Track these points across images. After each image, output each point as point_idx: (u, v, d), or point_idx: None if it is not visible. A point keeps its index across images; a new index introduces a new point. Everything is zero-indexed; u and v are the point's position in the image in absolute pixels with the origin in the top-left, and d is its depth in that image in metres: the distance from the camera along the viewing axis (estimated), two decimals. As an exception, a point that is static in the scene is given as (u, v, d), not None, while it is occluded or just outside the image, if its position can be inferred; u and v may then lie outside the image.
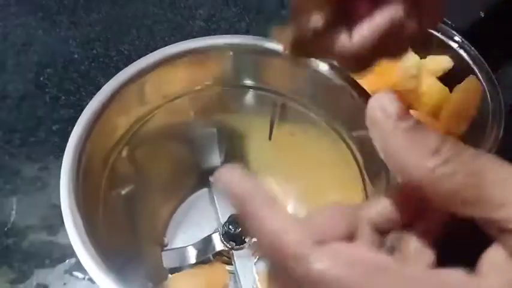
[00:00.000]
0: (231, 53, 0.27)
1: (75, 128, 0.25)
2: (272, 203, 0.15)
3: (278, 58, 0.27)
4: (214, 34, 0.51)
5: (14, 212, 0.39)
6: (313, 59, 0.26)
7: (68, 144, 0.24)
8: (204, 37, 0.28)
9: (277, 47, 0.27)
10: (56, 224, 0.39)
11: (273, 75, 0.28)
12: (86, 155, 0.24)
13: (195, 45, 0.27)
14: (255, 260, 0.34)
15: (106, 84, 0.26)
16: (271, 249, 0.14)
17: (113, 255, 0.26)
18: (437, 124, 0.38)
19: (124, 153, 0.28)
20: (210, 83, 0.29)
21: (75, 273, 0.37)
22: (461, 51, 0.40)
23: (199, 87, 0.29)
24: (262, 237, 0.15)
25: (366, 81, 0.37)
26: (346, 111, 0.27)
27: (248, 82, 0.29)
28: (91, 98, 0.45)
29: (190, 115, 0.31)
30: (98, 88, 0.46)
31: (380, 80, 0.37)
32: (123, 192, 0.29)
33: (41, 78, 0.47)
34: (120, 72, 0.26)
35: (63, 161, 0.24)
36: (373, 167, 0.26)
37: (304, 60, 0.25)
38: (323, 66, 0.26)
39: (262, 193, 0.15)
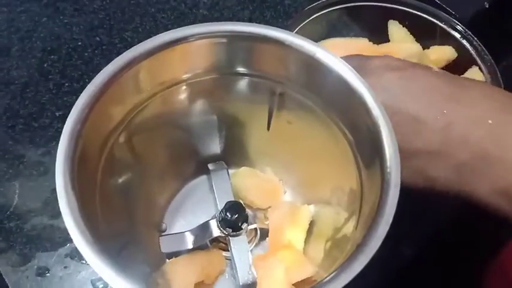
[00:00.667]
0: (227, 40, 0.27)
1: (71, 112, 0.25)
2: None
3: (275, 45, 0.27)
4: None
5: (16, 196, 0.40)
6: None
7: (63, 129, 0.24)
8: (200, 24, 0.28)
9: (275, 33, 0.27)
10: (57, 208, 0.38)
11: (270, 63, 0.28)
12: (82, 141, 0.24)
13: (191, 31, 0.27)
14: (251, 247, 0.34)
15: (102, 70, 0.26)
16: None
17: (110, 241, 0.26)
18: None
19: (121, 139, 0.28)
20: (207, 70, 0.29)
21: (76, 257, 0.37)
22: (465, 42, 0.39)
23: (196, 74, 0.29)
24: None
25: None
26: (342, 98, 0.26)
27: (245, 70, 0.29)
28: (94, 84, 0.46)
29: (187, 103, 0.31)
30: (101, 75, 0.47)
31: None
32: (120, 179, 0.30)
33: (45, 65, 0.47)
34: (117, 58, 0.26)
35: (59, 146, 0.24)
36: (367, 154, 0.26)
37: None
38: (320, 53, 0.26)
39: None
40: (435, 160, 0.26)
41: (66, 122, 0.25)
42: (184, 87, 0.30)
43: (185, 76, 0.29)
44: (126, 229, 0.31)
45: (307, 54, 0.26)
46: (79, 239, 0.23)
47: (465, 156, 0.24)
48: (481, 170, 0.24)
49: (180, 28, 0.27)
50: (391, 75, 0.27)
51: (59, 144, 0.24)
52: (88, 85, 0.26)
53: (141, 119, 0.29)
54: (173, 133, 0.33)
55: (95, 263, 0.23)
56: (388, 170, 0.23)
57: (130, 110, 0.28)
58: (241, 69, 0.29)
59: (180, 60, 0.28)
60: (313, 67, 0.26)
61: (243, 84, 0.30)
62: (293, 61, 0.27)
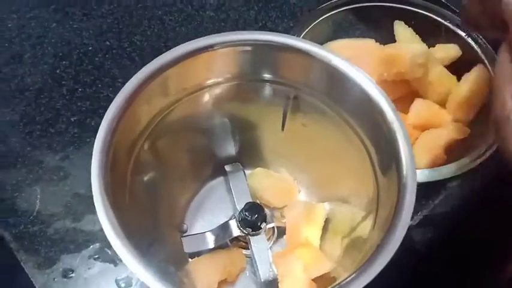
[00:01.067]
0: (250, 48, 0.28)
1: (103, 121, 0.26)
2: None
3: (297, 54, 0.28)
4: (224, 24, 0.52)
5: (38, 201, 0.41)
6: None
7: (97, 137, 0.26)
8: (223, 33, 0.29)
9: (292, 41, 0.28)
10: (79, 211, 0.41)
11: (288, 69, 0.29)
12: (112, 147, 0.26)
13: (215, 40, 0.28)
14: (269, 245, 0.36)
15: (131, 79, 0.27)
16: None
17: (138, 240, 0.28)
18: (445, 112, 0.39)
19: (147, 143, 0.30)
20: (228, 76, 0.30)
21: (99, 258, 0.39)
22: (470, 40, 0.40)
23: (217, 81, 0.31)
24: None
25: (374, 70, 0.38)
26: (360, 106, 0.28)
27: (265, 76, 0.30)
28: (107, 89, 0.47)
29: (207, 107, 0.32)
30: (114, 80, 0.48)
31: (389, 67, 0.38)
32: (146, 181, 0.31)
33: (57, 71, 0.48)
34: (144, 67, 0.28)
35: (94, 152, 0.25)
36: (384, 159, 0.27)
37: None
38: (340, 63, 0.28)
39: None
40: None
41: (98, 131, 0.26)
42: (205, 93, 0.31)
43: (207, 82, 0.30)
44: (151, 229, 0.32)
45: (327, 64, 0.27)
46: (113, 237, 0.24)
47: None
48: None
49: (204, 37, 0.28)
50: None
51: (93, 154, 0.25)
52: (117, 95, 0.27)
53: (165, 124, 0.30)
54: (193, 136, 0.34)
55: (129, 259, 0.24)
56: (405, 174, 0.24)
57: (155, 114, 0.29)
58: (261, 76, 0.30)
59: (204, 67, 0.29)
60: (332, 76, 0.28)
61: (261, 89, 0.31)
62: (313, 69, 0.28)
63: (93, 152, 0.25)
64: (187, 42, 0.28)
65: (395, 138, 0.25)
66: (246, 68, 0.30)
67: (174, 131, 0.31)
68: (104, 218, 0.24)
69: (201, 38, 0.28)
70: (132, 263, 0.23)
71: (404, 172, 0.24)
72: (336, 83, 0.28)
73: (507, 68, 0.22)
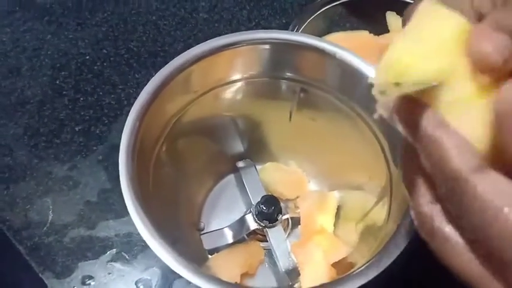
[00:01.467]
0: (268, 47, 0.29)
1: (125, 127, 0.27)
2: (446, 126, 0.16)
3: (308, 49, 0.29)
4: (218, 25, 0.53)
5: (50, 212, 0.42)
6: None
7: (123, 131, 0.26)
8: (233, 33, 0.30)
9: (302, 38, 0.29)
10: (92, 218, 0.41)
11: (301, 65, 0.31)
12: (136, 152, 0.26)
13: (227, 41, 0.29)
14: (287, 235, 0.37)
15: (145, 87, 0.28)
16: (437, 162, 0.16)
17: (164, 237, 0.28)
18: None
19: (165, 144, 0.30)
20: (237, 77, 0.31)
21: (117, 262, 0.39)
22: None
23: (227, 81, 0.31)
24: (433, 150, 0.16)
25: (371, 61, 0.40)
26: (368, 96, 0.29)
27: (276, 73, 0.31)
28: (109, 97, 0.47)
29: (220, 106, 0.33)
30: (114, 87, 0.48)
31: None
32: (165, 180, 0.32)
33: (57, 82, 0.48)
34: (156, 74, 0.28)
35: (120, 157, 0.26)
36: (396, 149, 0.29)
37: None
38: (354, 60, 0.29)
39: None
40: None
41: (122, 138, 0.27)
42: (215, 93, 0.32)
43: (217, 83, 0.31)
44: (173, 229, 0.33)
45: (339, 59, 0.28)
46: (144, 230, 0.24)
47: None
48: None
49: (213, 39, 0.29)
50: None
51: (119, 157, 0.26)
52: (136, 99, 0.28)
53: (182, 123, 0.31)
54: (206, 135, 0.35)
55: (158, 249, 0.24)
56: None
57: (176, 112, 0.30)
58: (273, 73, 0.31)
59: (224, 64, 0.30)
60: (344, 70, 0.29)
61: (271, 86, 0.32)
62: (325, 64, 0.29)
63: (120, 147, 0.26)
64: (196, 46, 0.29)
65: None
66: (259, 66, 0.31)
67: (189, 129, 0.32)
68: (135, 214, 0.24)
69: (221, 37, 0.29)
70: (165, 256, 0.24)
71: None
72: (347, 77, 0.29)
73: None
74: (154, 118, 0.29)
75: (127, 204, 0.25)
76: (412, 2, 0.44)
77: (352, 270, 0.26)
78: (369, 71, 0.29)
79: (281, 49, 0.29)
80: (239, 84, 0.32)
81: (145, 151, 0.28)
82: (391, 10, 0.44)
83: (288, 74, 0.31)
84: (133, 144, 0.26)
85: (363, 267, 0.25)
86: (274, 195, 0.37)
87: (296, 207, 0.37)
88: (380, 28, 0.45)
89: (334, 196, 0.36)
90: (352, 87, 0.30)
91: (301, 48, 0.29)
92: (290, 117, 0.36)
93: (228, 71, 0.31)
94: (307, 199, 0.36)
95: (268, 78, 0.32)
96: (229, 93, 0.32)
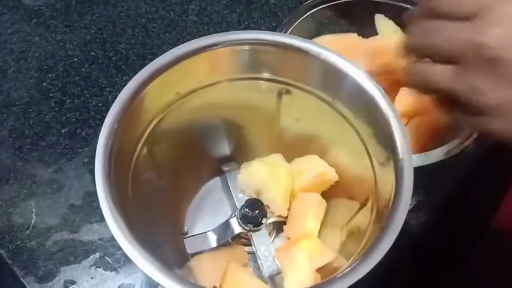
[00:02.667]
0: (247, 47, 0.29)
1: (104, 124, 0.26)
2: None
3: (289, 50, 0.29)
4: (207, 28, 0.53)
5: (34, 215, 0.41)
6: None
7: (98, 140, 0.26)
8: (215, 34, 0.29)
9: (285, 39, 0.29)
10: (76, 222, 0.40)
11: (283, 66, 0.30)
12: (114, 154, 0.26)
13: (207, 42, 0.28)
14: (272, 239, 0.36)
15: (124, 88, 0.28)
16: None
17: (144, 244, 0.28)
18: (430, 99, 0.41)
19: (145, 147, 0.30)
20: (223, 76, 0.31)
21: (100, 267, 0.39)
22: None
23: (209, 83, 0.31)
24: None
25: (359, 63, 0.39)
26: (351, 95, 0.29)
27: (258, 74, 0.31)
28: (96, 99, 0.47)
29: (202, 108, 0.33)
30: (101, 89, 0.48)
31: (374, 60, 0.40)
32: (145, 185, 0.31)
33: (44, 84, 0.48)
34: (138, 73, 0.28)
35: (96, 161, 0.26)
36: (381, 149, 0.28)
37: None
38: (336, 59, 0.28)
39: None
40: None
41: (100, 134, 0.26)
42: (200, 94, 0.31)
43: (199, 85, 0.31)
44: (154, 234, 0.32)
45: (320, 59, 0.28)
46: (125, 243, 0.24)
47: None
48: None
49: (197, 39, 0.29)
50: None
51: (96, 161, 0.25)
52: (115, 101, 0.27)
53: (162, 126, 0.31)
54: (189, 138, 0.34)
55: (138, 258, 0.24)
56: (401, 163, 0.25)
57: (154, 116, 0.30)
58: (255, 74, 0.31)
59: (206, 65, 0.29)
60: (326, 70, 0.28)
61: (254, 87, 0.32)
62: (307, 64, 0.29)
63: (96, 154, 0.25)
64: (178, 46, 0.29)
65: (390, 127, 0.26)
66: (242, 67, 0.30)
67: (171, 132, 0.32)
68: (111, 220, 0.24)
69: (201, 38, 0.29)
70: (142, 262, 0.23)
71: (401, 159, 0.25)
72: (331, 78, 0.29)
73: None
74: (133, 120, 0.28)
75: (103, 210, 0.24)
76: (400, 4, 0.44)
77: (336, 273, 0.25)
78: (353, 71, 0.28)
79: (263, 50, 0.29)
80: (222, 85, 0.32)
81: (124, 154, 0.28)
82: (379, 13, 0.44)
83: (271, 75, 0.31)
84: (111, 147, 0.25)
85: (346, 270, 0.25)
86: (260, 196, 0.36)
87: (281, 211, 0.36)
88: (369, 31, 0.44)
89: (322, 199, 0.36)
90: (337, 87, 0.29)
91: (284, 49, 0.29)
92: (274, 118, 0.35)
93: (210, 72, 0.31)
94: (294, 201, 0.36)
95: (251, 80, 0.32)
96: (211, 94, 0.32)
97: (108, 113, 0.27)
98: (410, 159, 0.25)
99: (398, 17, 0.44)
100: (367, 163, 0.30)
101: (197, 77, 0.30)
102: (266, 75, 0.31)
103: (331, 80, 0.29)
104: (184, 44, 0.29)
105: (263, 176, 0.34)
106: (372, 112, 0.28)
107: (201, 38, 0.29)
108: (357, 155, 0.30)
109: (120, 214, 0.24)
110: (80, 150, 0.44)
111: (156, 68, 0.28)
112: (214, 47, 0.28)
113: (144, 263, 0.23)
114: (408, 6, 0.44)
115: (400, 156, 0.25)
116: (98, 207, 0.41)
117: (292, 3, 0.54)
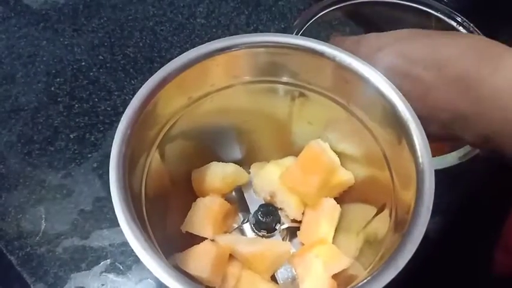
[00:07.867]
0: (263, 50, 0.28)
1: (116, 135, 0.26)
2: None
3: (305, 52, 0.28)
4: (215, 30, 0.52)
5: (43, 221, 0.41)
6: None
7: (111, 158, 0.25)
8: (229, 37, 0.29)
9: (300, 41, 0.28)
10: (86, 228, 0.40)
11: (297, 69, 0.30)
12: (128, 160, 0.25)
13: (222, 45, 0.28)
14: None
15: (138, 93, 0.27)
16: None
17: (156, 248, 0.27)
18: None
19: (157, 154, 0.29)
20: (233, 81, 0.30)
21: (111, 273, 0.38)
22: (461, 29, 0.41)
23: (222, 86, 0.31)
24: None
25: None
26: (368, 99, 0.28)
27: (273, 77, 0.31)
28: (104, 103, 0.46)
29: (213, 112, 0.32)
30: (110, 93, 0.47)
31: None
32: (159, 193, 0.31)
33: (52, 88, 0.47)
34: (150, 78, 0.27)
35: (110, 166, 0.25)
36: (396, 152, 0.27)
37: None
38: (342, 57, 0.28)
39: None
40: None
41: (114, 141, 0.26)
42: (210, 99, 0.31)
43: (211, 88, 0.30)
44: (168, 239, 0.32)
45: (337, 62, 0.28)
46: (142, 252, 0.23)
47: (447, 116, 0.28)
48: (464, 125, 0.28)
49: (208, 43, 0.29)
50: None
51: (110, 166, 0.25)
52: (127, 108, 0.27)
53: (175, 130, 0.30)
54: (201, 142, 0.34)
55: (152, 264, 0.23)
56: (421, 160, 0.25)
57: (169, 119, 0.29)
58: (270, 77, 0.30)
59: (220, 69, 0.29)
60: (346, 75, 0.28)
61: (270, 90, 0.31)
62: (327, 69, 0.29)
63: (110, 161, 0.25)
64: (200, 46, 0.28)
65: (408, 130, 0.26)
66: (258, 70, 0.30)
67: (184, 136, 0.31)
68: (127, 229, 0.23)
69: (216, 41, 0.28)
70: (158, 271, 0.23)
71: (421, 163, 0.25)
72: (346, 80, 0.28)
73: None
74: (147, 125, 0.28)
75: (117, 216, 0.24)
76: (412, 4, 0.43)
77: (352, 284, 0.24)
78: (369, 73, 0.28)
79: (278, 52, 0.29)
80: (235, 88, 0.31)
81: (137, 159, 0.27)
82: (389, 15, 0.43)
83: (285, 78, 0.30)
84: (125, 152, 0.25)
85: (367, 279, 0.24)
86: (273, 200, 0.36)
87: (295, 216, 0.36)
88: (378, 32, 0.44)
89: (337, 205, 0.35)
90: (352, 90, 0.29)
91: (299, 51, 0.28)
92: (287, 121, 0.35)
93: (223, 75, 0.30)
94: (308, 207, 0.35)
95: (265, 83, 0.31)
96: (224, 98, 0.31)
97: (122, 119, 0.26)
98: (431, 163, 0.25)
99: (407, 17, 0.43)
100: (384, 167, 0.29)
101: (210, 81, 0.30)
102: (281, 78, 0.30)
103: (347, 83, 0.28)
104: (198, 47, 0.28)
105: (278, 178, 0.33)
106: (389, 115, 0.27)
107: (215, 40, 0.28)
108: (373, 159, 0.30)
109: (135, 223, 0.24)
110: (89, 155, 0.44)
111: (168, 72, 0.27)
112: (229, 50, 0.28)
113: (160, 271, 0.23)
114: (417, 6, 0.43)
115: (420, 160, 0.25)
116: (108, 212, 0.41)
117: (301, 5, 0.54)
